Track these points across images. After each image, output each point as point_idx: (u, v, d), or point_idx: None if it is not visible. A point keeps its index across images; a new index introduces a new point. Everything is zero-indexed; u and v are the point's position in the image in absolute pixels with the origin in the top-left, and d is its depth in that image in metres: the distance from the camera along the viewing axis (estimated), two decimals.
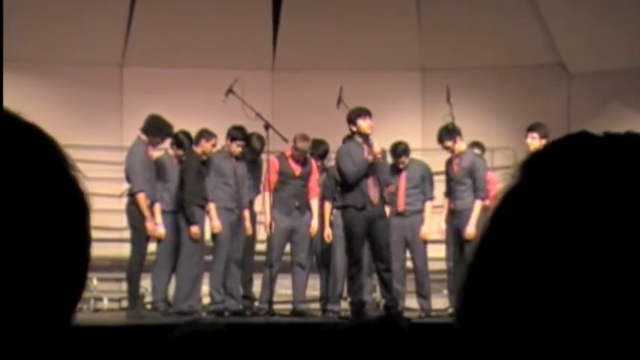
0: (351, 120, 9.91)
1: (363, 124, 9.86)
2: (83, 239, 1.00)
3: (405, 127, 11.12)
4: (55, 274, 0.96)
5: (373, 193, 9.84)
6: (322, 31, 13.90)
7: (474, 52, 13.70)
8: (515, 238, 0.87)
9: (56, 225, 0.96)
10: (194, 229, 10.25)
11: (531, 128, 10.27)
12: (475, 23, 13.63)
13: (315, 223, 10.69)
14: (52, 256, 0.96)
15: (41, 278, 0.95)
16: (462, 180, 10.28)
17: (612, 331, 0.83)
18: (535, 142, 10.14)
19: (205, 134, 10.59)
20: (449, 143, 10.29)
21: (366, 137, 9.89)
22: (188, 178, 10.31)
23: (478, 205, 10.14)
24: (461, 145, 10.33)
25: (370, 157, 9.77)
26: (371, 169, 9.82)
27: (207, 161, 10.59)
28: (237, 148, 10.59)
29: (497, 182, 10.81)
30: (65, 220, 0.97)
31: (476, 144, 11.06)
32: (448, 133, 10.27)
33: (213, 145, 10.61)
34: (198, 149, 10.52)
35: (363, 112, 9.92)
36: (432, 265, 11.04)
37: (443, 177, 10.77)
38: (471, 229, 10.02)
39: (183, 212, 10.30)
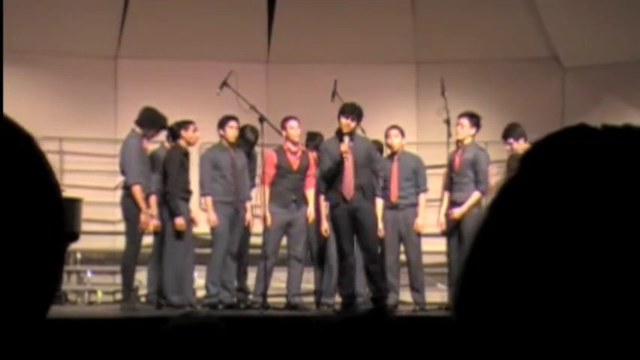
0: (338, 116, 9.95)
1: (342, 121, 9.88)
2: (57, 232, 0.99)
3: (399, 120, 11.09)
4: (30, 269, 0.95)
5: (346, 190, 9.82)
6: (317, 23, 13.89)
7: (469, 45, 13.70)
8: (514, 229, 0.87)
9: (30, 218, 0.95)
10: (179, 221, 10.24)
11: (505, 135, 10.39)
12: (470, 16, 13.62)
13: (311, 209, 10.67)
14: (25, 250, 0.95)
15: (15, 273, 0.94)
16: (463, 172, 10.19)
17: (609, 322, 0.83)
18: (515, 145, 10.23)
19: (182, 125, 10.52)
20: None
21: (341, 135, 9.90)
22: (171, 170, 10.30)
23: (476, 195, 10.09)
24: (467, 138, 10.27)
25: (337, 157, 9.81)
26: (341, 166, 9.79)
27: (188, 152, 10.53)
28: (231, 130, 10.54)
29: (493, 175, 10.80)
30: (39, 214, 0.96)
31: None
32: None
33: (195, 130, 10.54)
34: (182, 142, 10.49)
35: (342, 109, 9.93)
36: (426, 259, 11.02)
37: (437, 170, 10.73)
38: (457, 212, 9.99)
39: (167, 205, 10.29)
